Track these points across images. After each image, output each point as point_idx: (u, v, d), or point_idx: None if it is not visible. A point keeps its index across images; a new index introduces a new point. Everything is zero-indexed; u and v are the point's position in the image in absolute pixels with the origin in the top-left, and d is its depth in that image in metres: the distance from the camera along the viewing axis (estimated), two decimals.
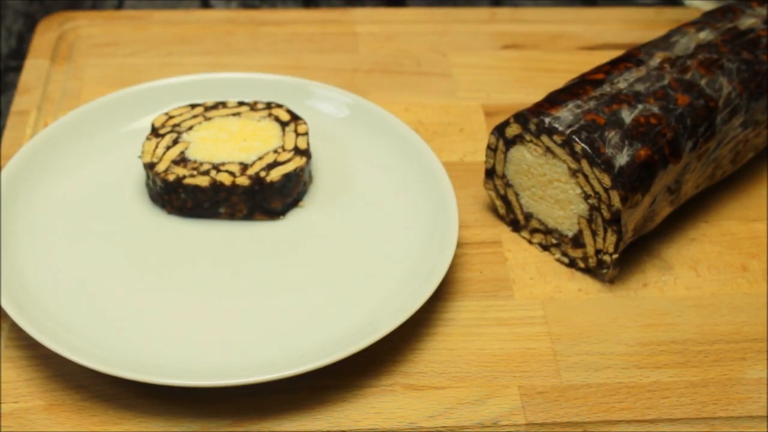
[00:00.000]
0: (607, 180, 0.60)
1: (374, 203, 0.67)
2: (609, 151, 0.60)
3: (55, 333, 0.57)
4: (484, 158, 0.73)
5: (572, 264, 0.65)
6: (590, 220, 0.62)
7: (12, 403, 0.56)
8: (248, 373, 0.55)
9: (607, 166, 0.59)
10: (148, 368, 0.55)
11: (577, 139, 0.60)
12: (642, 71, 0.65)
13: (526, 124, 0.63)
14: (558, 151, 0.62)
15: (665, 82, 0.64)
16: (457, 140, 0.74)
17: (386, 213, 0.66)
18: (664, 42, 0.68)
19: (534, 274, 0.65)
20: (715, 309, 0.63)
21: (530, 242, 0.67)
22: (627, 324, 0.62)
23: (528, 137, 0.63)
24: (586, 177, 0.61)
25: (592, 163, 0.60)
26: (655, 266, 0.66)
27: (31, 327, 0.56)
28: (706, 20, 0.70)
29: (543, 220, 0.66)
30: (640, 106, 0.62)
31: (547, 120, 0.61)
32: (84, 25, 0.84)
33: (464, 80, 0.80)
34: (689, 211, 0.69)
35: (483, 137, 0.74)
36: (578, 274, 0.65)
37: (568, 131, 0.60)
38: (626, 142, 0.60)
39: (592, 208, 0.62)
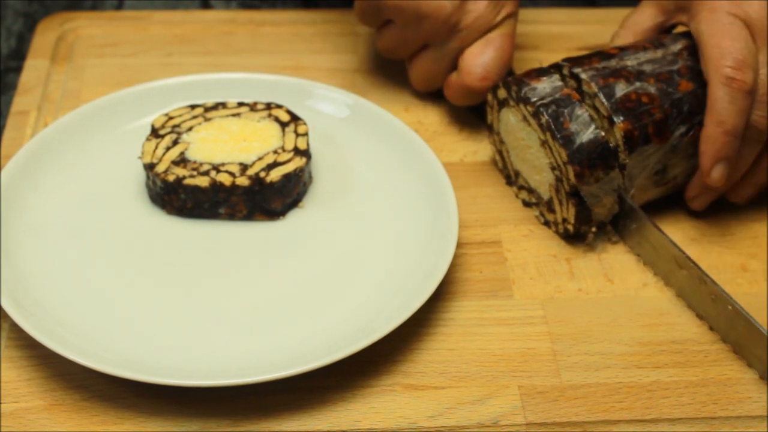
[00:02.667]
0: (564, 155, 0.62)
1: (374, 203, 0.67)
2: (573, 127, 0.62)
3: (55, 333, 0.57)
4: (484, 159, 0.73)
5: (547, 224, 0.68)
6: (557, 190, 0.65)
7: (12, 403, 0.56)
8: (248, 373, 0.55)
9: (565, 141, 0.62)
10: (148, 368, 0.55)
11: (543, 112, 0.63)
12: (658, 54, 0.66)
13: (509, 90, 0.66)
14: (531, 120, 0.64)
15: (675, 66, 0.65)
16: (457, 140, 0.74)
17: (386, 213, 0.67)
18: None
19: (534, 274, 0.65)
20: None
21: (516, 196, 0.70)
22: (627, 324, 0.62)
23: (512, 103, 0.66)
24: (551, 149, 0.63)
25: (553, 137, 0.62)
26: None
27: (31, 327, 0.56)
28: None
29: (527, 180, 0.68)
30: (637, 84, 0.64)
31: (524, 90, 0.64)
32: (84, 25, 0.84)
33: None
34: (689, 210, 0.69)
35: (483, 137, 0.74)
36: (578, 274, 0.65)
37: (538, 103, 0.63)
38: (594, 122, 0.62)
39: (557, 179, 0.64)
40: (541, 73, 0.65)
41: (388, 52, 0.74)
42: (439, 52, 0.72)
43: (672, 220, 0.69)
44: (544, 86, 0.64)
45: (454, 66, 0.72)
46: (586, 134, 0.62)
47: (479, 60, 0.70)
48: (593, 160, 0.62)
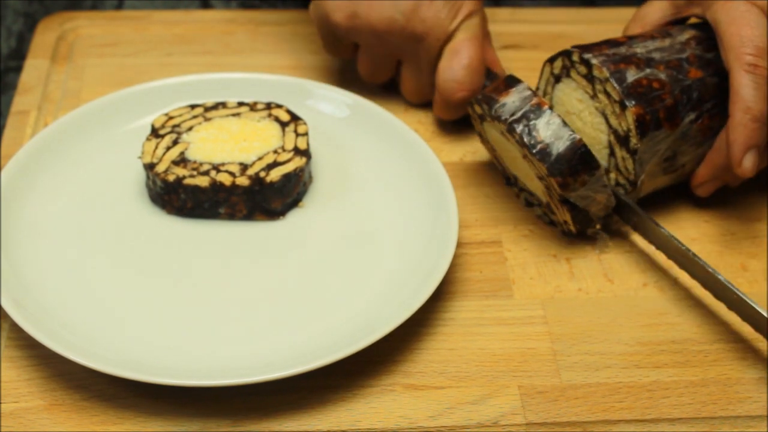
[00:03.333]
0: (543, 169, 0.62)
1: (374, 203, 0.67)
2: (547, 138, 0.61)
3: (55, 333, 0.57)
4: (483, 158, 0.73)
5: (552, 224, 0.68)
6: (550, 196, 0.65)
7: (12, 403, 0.56)
8: (248, 373, 0.55)
9: (542, 155, 0.61)
10: (148, 368, 0.55)
11: (515, 128, 0.62)
12: (666, 42, 0.66)
13: (482, 108, 0.65)
14: (507, 136, 0.64)
15: (684, 55, 0.65)
16: (456, 140, 0.74)
17: (386, 213, 0.67)
18: (703, 24, 0.69)
19: (534, 274, 0.65)
20: (715, 309, 0.63)
21: (518, 196, 0.70)
22: (627, 324, 0.62)
23: (488, 118, 0.65)
24: (531, 162, 0.63)
25: (530, 152, 0.62)
26: (654, 266, 0.66)
27: (31, 327, 0.56)
28: None
29: (525, 184, 0.68)
30: (647, 70, 0.64)
31: (494, 107, 0.63)
32: (84, 25, 0.84)
33: None
34: (689, 210, 0.69)
35: None
36: (578, 274, 0.65)
37: (510, 120, 0.62)
38: (568, 127, 0.62)
39: (546, 187, 0.64)
40: (509, 84, 0.64)
41: (370, 77, 0.75)
42: (414, 67, 0.72)
43: (672, 219, 0.69)
44: (513, 100, 0.63)
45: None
46: (562, 142, 0.61)
47: (450, 75, 0.70)
48: (574, 166, 0.61)
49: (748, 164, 0.62)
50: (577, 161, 0.61)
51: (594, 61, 0.64)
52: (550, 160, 0.61)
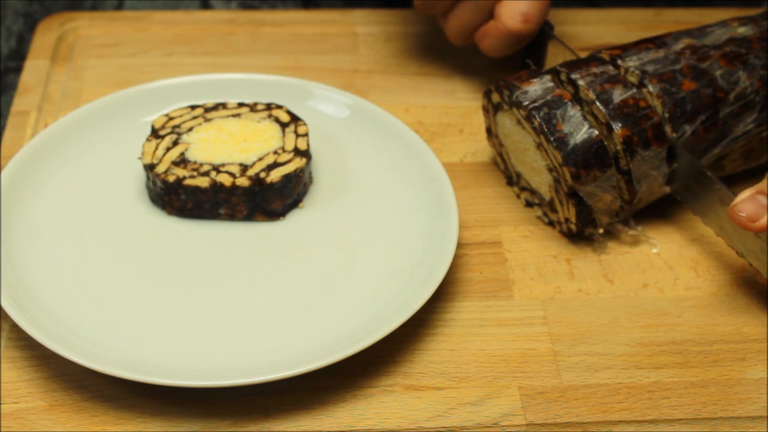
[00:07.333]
0: (558, 157, 0.62)
1: (374, 203, 0.67)
2: (566, 128, 0.62)
3: (55, 333, 0.57)
4: (484, 159, 0.73)
5: (551, 224, 0.68)
6: (557, 191, 0.65)
7: (12, 404, 0.56)
8: (248, 373, 0.55)
9: (559, 143, 0.62)
10: (148, 368, 0.55)
11: (535, 115, 0.62)
12: (660, 53, 0.66)
13: (501, 95, 0.65)
14: (525, 123, 0.64)
15: (678, 66, 0.65)
16: (457, 141, 0.74)
17: (386, 213, 0.67)
18: (699, 30, 0.69)
19: (534, 274, 0.65)
20: (715, 309, 0.63)
21: (518, 197, 0.70)
22: (627, 324, 0.62)
23: (505, 107, 0.66)
24: (546, 151, 0.63)
25: (547, 140, 0.62)
26: (655, 266, 0.66)
27: (31, 327, 0.56)
28: (756, 18, 0.71)
29: (528, 181, 0.68)
30: (634, 89, 0.64)
31: (515, 93, 0.64)
32: (84, 25, 0.84)
33: (464, 81, 0.80)
34: (688, 211, 0.69)
35: (483, 138, 0.74)
36: (578, 275, 0.65)
37: (530, 106, 0.63)
38: (588, 121, 0.62)
39: (555, 180, 0.64)
40: (532, 75, 0.65)
41: (425, 7, 0.73)
42: (476, 3, 0.71)
43: (671, 220, 0.69)
44: (536, 89, 0.64)
45: (490, 17, 0.71)
46: (580, 134, 0.62)
47: (517, 7, 0.69)
48: (588, 160, 0.62)
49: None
50: (593, 155, 0.62)
51: (580, 83, 0.64)
52: (567, 149, 0.61)
